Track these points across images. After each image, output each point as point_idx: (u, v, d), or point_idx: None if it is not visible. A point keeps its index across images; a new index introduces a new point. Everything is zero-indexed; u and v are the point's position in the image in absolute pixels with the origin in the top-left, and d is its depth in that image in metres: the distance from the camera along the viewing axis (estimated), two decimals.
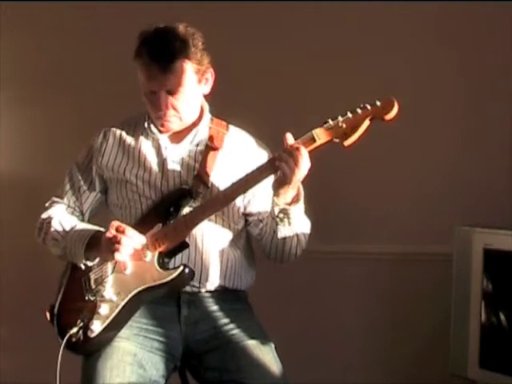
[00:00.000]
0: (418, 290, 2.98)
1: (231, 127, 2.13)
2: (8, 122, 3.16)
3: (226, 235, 2.06)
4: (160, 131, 2.05)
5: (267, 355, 1.98)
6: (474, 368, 2.49)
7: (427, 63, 3.01)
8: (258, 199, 2.05)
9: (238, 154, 2.07)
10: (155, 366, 1.95)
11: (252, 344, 1.98)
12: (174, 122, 2.01)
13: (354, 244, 3.01)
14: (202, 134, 2.07)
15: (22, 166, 3.14)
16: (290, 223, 1.97)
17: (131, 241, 1.90)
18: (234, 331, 2.01)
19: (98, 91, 3.03)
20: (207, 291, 2.03)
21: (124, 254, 1.90)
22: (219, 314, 2.04)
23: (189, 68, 1.94)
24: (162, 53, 1.91)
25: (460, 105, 3.02)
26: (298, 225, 1.99)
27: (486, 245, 2.47)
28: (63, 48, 3.07)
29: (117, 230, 1.91)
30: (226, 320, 2.03)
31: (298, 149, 1.85)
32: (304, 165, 1.86)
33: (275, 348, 2.03)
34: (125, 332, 1.96)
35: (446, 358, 2.60)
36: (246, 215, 2.08)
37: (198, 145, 2.06)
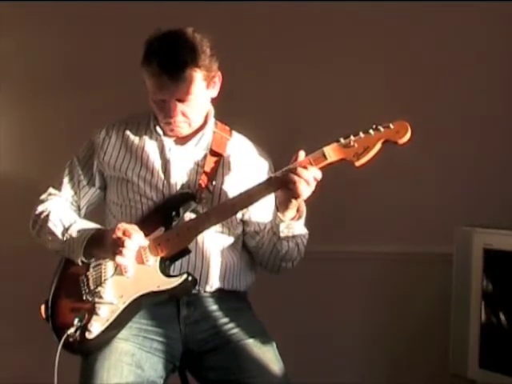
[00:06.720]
0: (418, 289, 2.99)
1: (234, 133, 2.14)
2: (8, 122, 3.16)
3: (225, 239, 2.06)
4: (165, 133, 2.05)
5: (268, 354, 1.98)
6: (474, 368, 2.49)
7: (425, 64, 3.02)
8: (256, 209, 2.04)
9: (240, 160, 2.08)
10: (153, 366, 1.95)
11: (252, 343, 1.99)
12: (184, 128, 2.02)
13: (354, 244, 3.01)
14: (206, 137, 2.08)
15: (21, 166, 3.14)
16: (293, 237, 1.99)
17: (135, 245, 1.90)
18: (234, 330, 2.01)
19: (98, 91, 3.02)
20: (206, 292, 2.04)
21: (126, 258, 1.90)
22: (219, 313, 2.04)
23: (198, 76, 1.94)
24: (171, 63, 1.90)
25: (460, 105, 3.02)
26: (299, 237, 2.01)
27: (485, 245, 2.47)
28: (63, 48, 3.07)
29: (123, 233, 1.89)
30: (225, 319, 2.03)
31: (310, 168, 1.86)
32: (314, 184, 1.87)
33: (276, 346, 2.03)
34: (124, 333, 1.96)
35: (446, 358, 2.60)
36: (243, 224, 2.08)
37: (201, 148, 2.07)
